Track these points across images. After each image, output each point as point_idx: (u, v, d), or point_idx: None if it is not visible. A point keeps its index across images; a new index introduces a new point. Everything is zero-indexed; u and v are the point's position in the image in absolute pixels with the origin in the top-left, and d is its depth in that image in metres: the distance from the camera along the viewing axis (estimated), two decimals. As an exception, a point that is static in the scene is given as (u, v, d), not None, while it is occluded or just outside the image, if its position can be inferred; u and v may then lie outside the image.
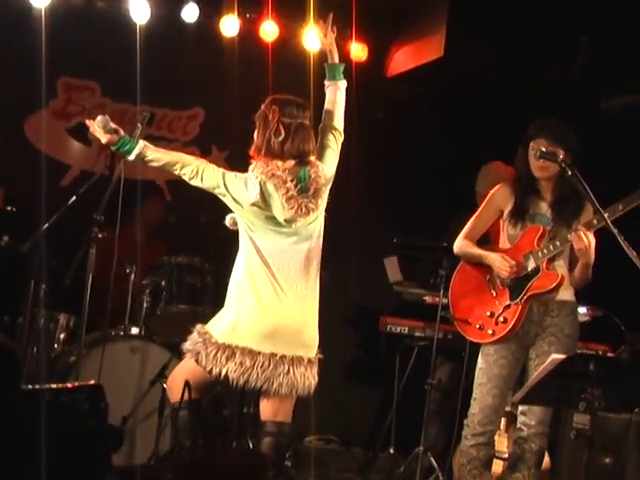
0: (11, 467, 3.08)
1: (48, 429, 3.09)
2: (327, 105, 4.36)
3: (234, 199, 4.10)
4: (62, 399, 3.26)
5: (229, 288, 4.19)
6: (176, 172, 4.12)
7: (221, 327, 4.11)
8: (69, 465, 3.18)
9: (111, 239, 4.65)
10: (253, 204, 4.07)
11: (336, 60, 4.39)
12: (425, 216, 6.80)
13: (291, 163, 4.14)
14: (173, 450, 4.13)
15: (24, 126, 6.51)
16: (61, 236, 5.01)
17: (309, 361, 4.11)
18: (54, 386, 3.35)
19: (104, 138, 4.10)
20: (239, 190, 4.07)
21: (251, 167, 4.14)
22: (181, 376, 4.12)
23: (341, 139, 4.34)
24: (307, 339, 4.15)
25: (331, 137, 4.30)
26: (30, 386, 3.29)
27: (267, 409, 4.17)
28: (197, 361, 4.07)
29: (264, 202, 4.07)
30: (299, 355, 4.09)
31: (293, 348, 4.08)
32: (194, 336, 4.15)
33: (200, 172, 4.09)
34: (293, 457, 5.49)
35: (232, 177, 4.10)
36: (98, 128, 4.09)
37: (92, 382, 3.66)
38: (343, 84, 4.37)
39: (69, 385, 3.47)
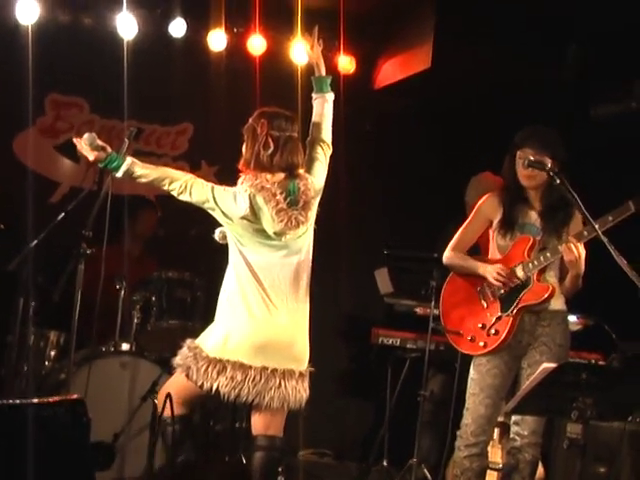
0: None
1: (30, 443, 3.07)
2: (315, 118, 4.36)
3: (223, 213, 4.09)
4: (43, 413, 3.25)
5: (219, 302, 4.18)
6: (165, 187, 4.11)
7: (212, 341, 4.09)
8: (51, 479, 3.16)
9: (100, 255, 4.64)
10: (243, 217, 4.06)
11: (323, 73, 4.39)
12: (415, 227, 6.80)
13: (280, 176, 4.13)
14: (164, 465, 4.10)
15: (13, 144, 6.50)
16: (50, 253, 4.99)
17: (300, 374, 4.10)
18: (35, 400, 3.34)
19: (91, 155, 4.08)
20: (228, 204, 4.07)
21: (240, 180, 4.14)
22: (172, 391, 4.11)
23: (329, 151, 4.33)
24: (298, 352, 4.14)
25: (319, 150, 4.30)
26: (11, 400, 3.27)
27: (258, 423, 4.15)
28: (188, 376, 4.06)
29: (254, 215, 4.06)
30: (290, 368, 4.08)
31: (284, 361, 4.07)
32: (184, 351, 4.13)
33: (189, 187, 4.08)
34: (286, 471, 5.46)
35: (221, 191, 4.09)
36: (85, 145, 4.08)
37: (75, 396, 3.63)
38: (330, 96, 4.38)
39: (50, 399, 3.44)
